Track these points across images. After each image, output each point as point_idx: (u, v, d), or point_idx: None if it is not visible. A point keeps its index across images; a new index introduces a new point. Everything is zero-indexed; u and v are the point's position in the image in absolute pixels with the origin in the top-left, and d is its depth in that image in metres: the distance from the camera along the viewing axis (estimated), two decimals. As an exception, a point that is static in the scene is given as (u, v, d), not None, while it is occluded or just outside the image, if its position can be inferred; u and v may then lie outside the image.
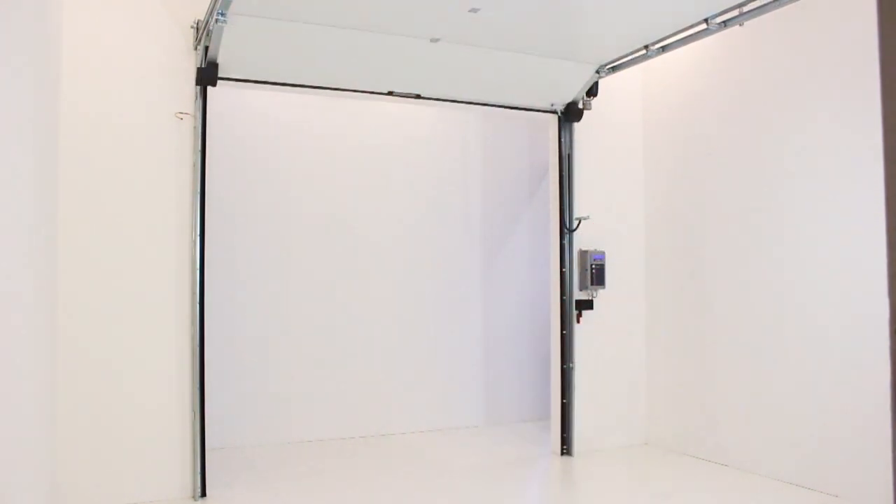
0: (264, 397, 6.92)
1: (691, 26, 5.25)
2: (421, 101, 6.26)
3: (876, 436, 4.71)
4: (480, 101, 6.44)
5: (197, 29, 5.27)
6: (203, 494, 5.18)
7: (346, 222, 7.37)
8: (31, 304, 3.58)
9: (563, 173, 6.63)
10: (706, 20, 5.05)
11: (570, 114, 6.54)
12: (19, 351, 3.20)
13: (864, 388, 4.89)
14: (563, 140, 6.64)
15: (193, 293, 5.25)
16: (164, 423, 5.15)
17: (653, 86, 6.94)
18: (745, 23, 5.00)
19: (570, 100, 6.52)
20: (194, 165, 5.29)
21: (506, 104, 6.53)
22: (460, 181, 7.96)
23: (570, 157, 6.65)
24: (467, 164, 7.98)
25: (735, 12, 4.92)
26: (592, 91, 6.54)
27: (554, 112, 6.62)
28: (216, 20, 4.73)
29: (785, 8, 4.79)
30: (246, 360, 6.89)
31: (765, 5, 4.78)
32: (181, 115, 5.27)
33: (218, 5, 4.67)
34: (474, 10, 4.93)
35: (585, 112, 6.62)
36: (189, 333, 5.25)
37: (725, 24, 5.03)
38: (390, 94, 6.04)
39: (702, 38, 5.32)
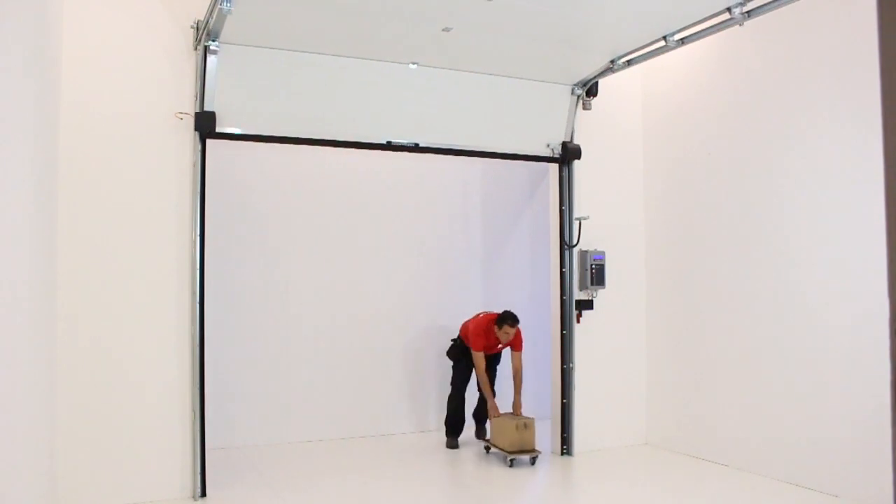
0: (264, 397, 6.92)
1: (652, 42, 5.53)
2: (420, 152, 6.15)
3: (876, 436, 4.71)
4: (479, 149, 6.40)
5: (197, 29, 5.27)
6: (203, 494, 5.18)
7: (347, 223, 7.37)
8: (31, 305, 3.58)
9: (563, 176, 6.62)
10: (664, 38, 5.37)
11: (568, 154, 6.51)
12: (19, 351, 3.20)
13: (864, 388, 4.89)
14: (563, 174, 6.63)
15: (193, 293, 5.24)
16: (164, 423, 5.15)
17: (653, 86, 6.94)
18: (745, 23, 5.00)
19: (562, 136, 6.51)
20: (194, 165, 5.28)
21: (505, 151, 6.44)
22: (460, 179, 7.96)
23: (569, 169, 6.63)
24: (466, 162, 7.96)
25: (692, 30, 5.26)
26: (592, 91, 6.55)
27: (553, 160, 6.59)
28: (207, 47, 4.81)
29: (785, 9, 4.79)
30: (246, 360, 6.88)
31: (717, 25, 5.06)
32: (181, 116, 5.26)
33: (212, 23, 4.70)
34: (447, 29, 5.05)
35: (585, 112, 6.63)
36: (189, 333, 5.24)
37: (683, 41, 5.37)
38: (388, 144, 5.95)
39: (664, 52, 5.62)
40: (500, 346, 6.56)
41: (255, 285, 6.98)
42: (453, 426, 6.83)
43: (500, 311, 6.55)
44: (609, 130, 6.86)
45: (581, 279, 6.61)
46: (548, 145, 6.52)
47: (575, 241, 6.55)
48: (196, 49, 5.28)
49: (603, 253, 6.64)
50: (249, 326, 6.92)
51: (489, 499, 5.43)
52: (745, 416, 5.85)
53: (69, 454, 4.78)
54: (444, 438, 6.89)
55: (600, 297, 6.67)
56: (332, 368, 7.22)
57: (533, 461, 6.16)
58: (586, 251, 6.60)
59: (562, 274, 6.58)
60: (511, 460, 6.07)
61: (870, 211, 4.88)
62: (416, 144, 6.04)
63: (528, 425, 6.17)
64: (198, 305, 5.23)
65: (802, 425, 5.35)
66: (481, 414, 6.91)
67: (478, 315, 6.77)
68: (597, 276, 6.59)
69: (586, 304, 6.62)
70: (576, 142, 6.59)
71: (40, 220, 3.91)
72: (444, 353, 6.95)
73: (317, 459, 6.42)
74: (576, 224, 6.57)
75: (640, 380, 6.90)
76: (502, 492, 5.53)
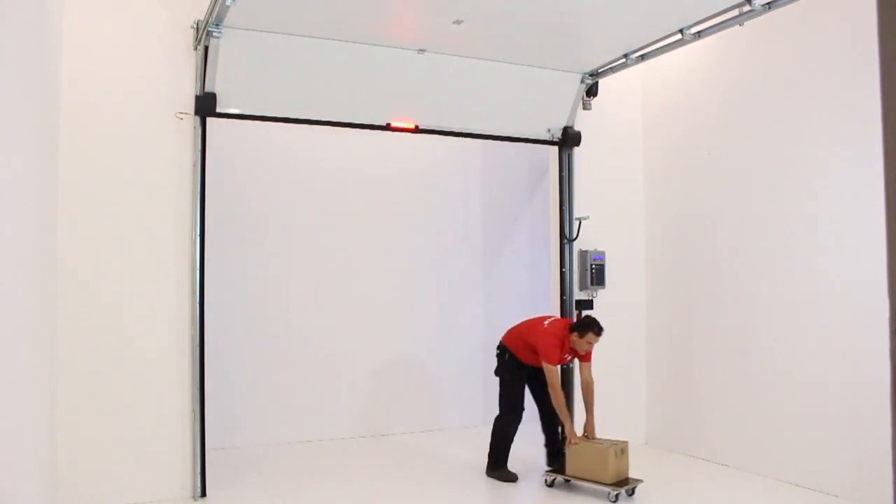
0: (264, 397, 6.92)
1: (667, 36, 5.45)
2: (419, 132, 6.10)
3: (876, 436, 4.71)
4: (480, 132, 6.38)
5: (197, 29, 5.27)
6: (203, 494, 5.18)
7: (348, 224, 7.37)
8: (31, 305, 3.58)
9: (563, 175, 6.62)
10: (681, 31, 5.27)
11: (569, 139, 6.53)
12: (19, 350, 3.20)
13: (863, 388, 4.89)
14: (563, 160, 6.65)
15: (193, 293, 5.24)
16: (164, 423, 5.15)
17: (653, 86, 6.94)
18: (746, 23, 5.01)
19: (564, 122, 6.51)
20: (194, 165, 5.28)
21: (505, 134, 6.44)
22: (460, 179, 7.96)
23: (569, 157, 6.65)
24: (467, 162, 7.96)
25: (709, 23, 5.17)
26: (592, 91, 6.56)
27: (553, 143, 6.60)
28: (210, 32, 4.79)
29: (785, 8, 4.79)
30: (246, 360, 6.88)
31: (737, 17, 4.97)
32: (181, 115, 5.27)
33: (213, 16, 4.69)
34: (458, 22, 5.01)
35: (585, 112, 6.64)
36: (189, 333, 5.24)
37: (700, 34, 5.26)
38: (388, 126, 5.94)
39: (677, 47, 5.53)
40: (569, 357, 5.65)
41: (255, 285, 6.97)
42: (503, 454, 5.78)
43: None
44: (609, 130, 6.86)
45: (581, 279, 6.61)
46: (548, 130, 6.53)
47: (574, 235, 6.55)
48: (196, 49, 5.27)
49: (603, 253, 6.64)
50: (249, 326, 6.91)
51: (488, 498, 5.43)
52: (744, 416, 5.85)
53: (69, 454, 4.78)
54: (441, 437, 6.86)
55: (600, 297, 6.67)
56: (332, 368, 7.21)
57: (632, 492, 5.17)
58: (586, 251, 6.60)
59: (562, 274, 6.58)
60: (616, 495, 5.04)
61: (870, 210, 4.88)
62: (416, 126, 6.02)
63: (624, 450, 5.27)
64: (198, 305, 5.23)
65: (802, 425, 5.35)
66: (556, 441, 5.93)
67: (540, 320, 5.74)
68: (597, 276, 6.59)
69: (586, 304, 6.61)
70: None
71: (40, 218, 3.91)
72: (452, 356, 6.84)
73: (317, 459, 6.42)
74: (576, 224, 6.57)
75: (640, 380, 6.90)
76: (501, 491, 5.52)
